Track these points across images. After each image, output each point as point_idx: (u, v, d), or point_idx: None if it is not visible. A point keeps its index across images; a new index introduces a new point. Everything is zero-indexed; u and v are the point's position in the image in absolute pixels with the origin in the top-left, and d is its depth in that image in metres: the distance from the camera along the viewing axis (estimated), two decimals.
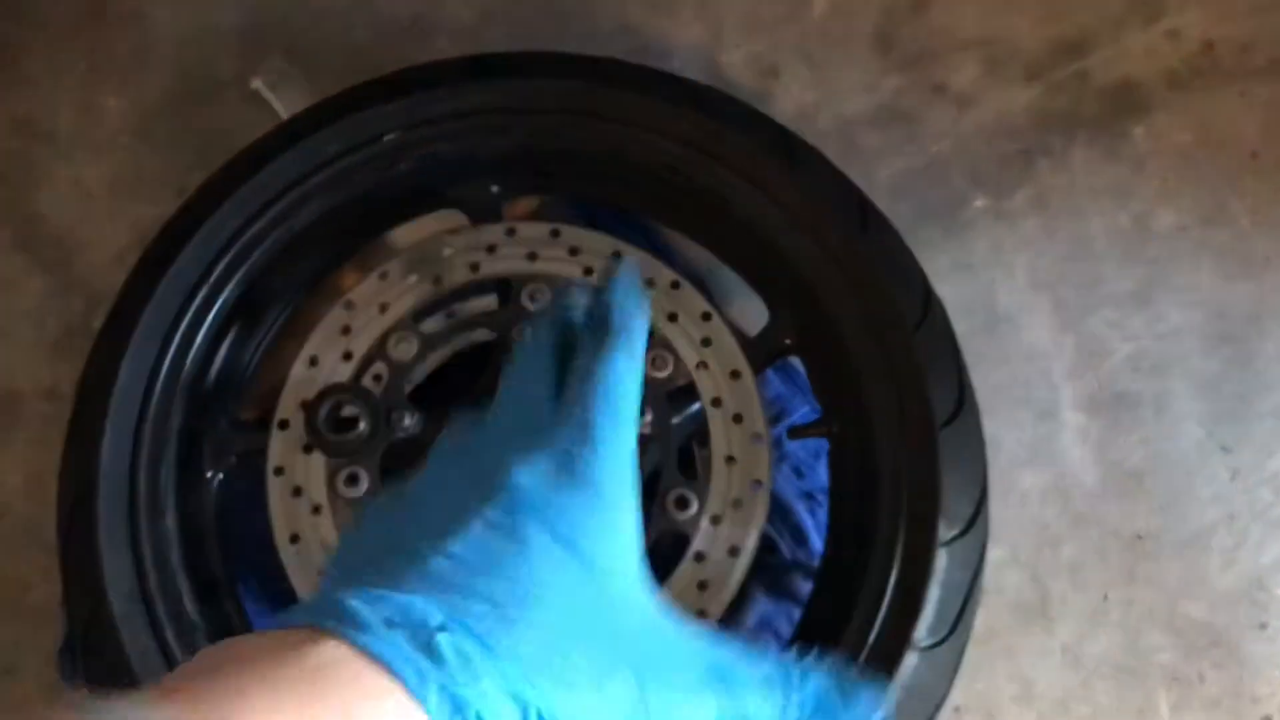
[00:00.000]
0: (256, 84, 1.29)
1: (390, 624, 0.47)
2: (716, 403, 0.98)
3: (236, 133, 1.16)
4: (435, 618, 0.48)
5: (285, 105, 1.27)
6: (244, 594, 1.04)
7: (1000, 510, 1.16)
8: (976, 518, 0.98)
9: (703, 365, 0.99)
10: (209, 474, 1.02)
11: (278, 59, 1.30)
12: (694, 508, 0.95)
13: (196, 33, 1.33)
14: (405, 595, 0.49)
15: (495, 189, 1.09)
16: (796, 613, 1.08)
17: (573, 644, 0.52)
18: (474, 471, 0.58)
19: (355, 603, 0.48)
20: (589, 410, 0.59)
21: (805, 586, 1.10)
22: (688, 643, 0.58)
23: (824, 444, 1.14)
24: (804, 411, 1.17)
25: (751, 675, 0.58)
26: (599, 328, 0.64)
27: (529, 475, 0.56)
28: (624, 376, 0.61)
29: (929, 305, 1.01)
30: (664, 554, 0.99)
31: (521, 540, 0.53)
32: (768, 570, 1.12)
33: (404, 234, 1.13)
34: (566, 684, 0.50)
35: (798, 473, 1.18)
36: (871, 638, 0.93)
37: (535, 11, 1.35)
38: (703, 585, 0.94)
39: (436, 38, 1.34)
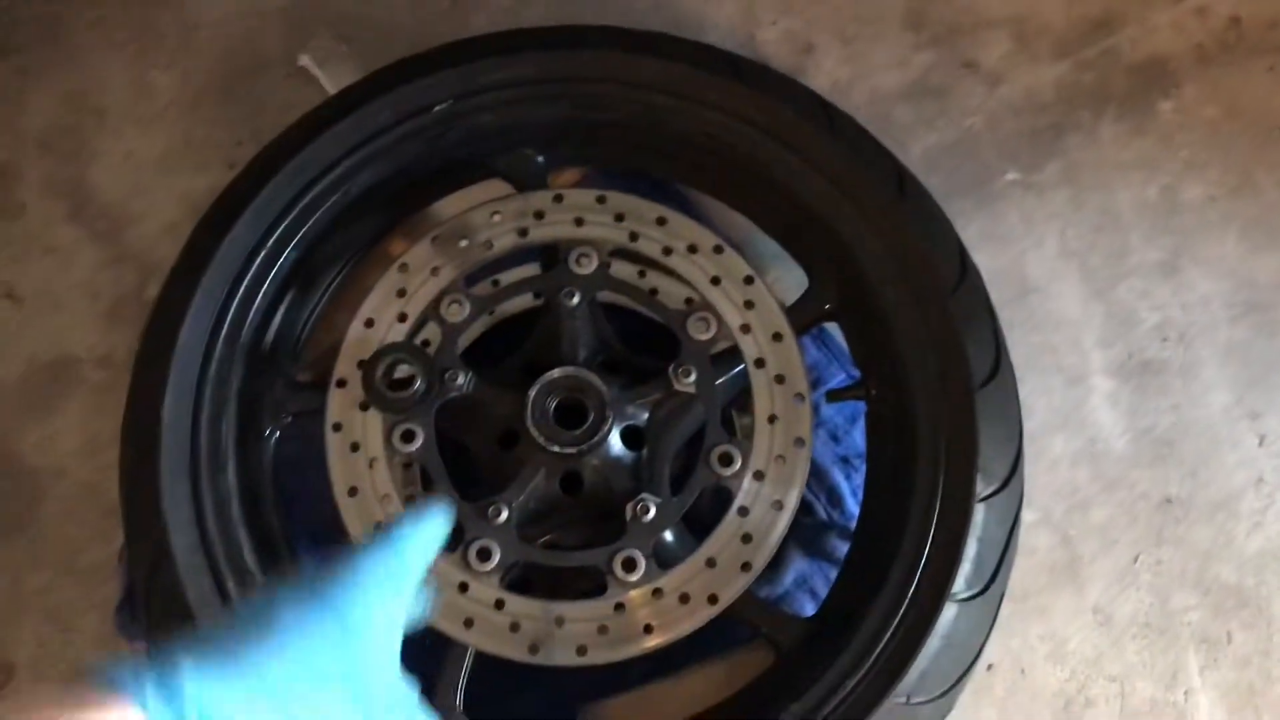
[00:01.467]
0: (304, 60, 1.32)
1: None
2: (760, 363, 1.01)
3: (283, 108, 1.20)
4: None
5: (332, 81, 1.30)
6: (299, 548, 1.08)
7: (1032, 474, 1.18)
8: (1012, 475, 1.00)
9: (745, 328, 1.02)
10: (266, 431, 1.05)
11: (324, 36, 1.33)
12: (738, 463, 0.98)
13: (243, 12, 1.37)
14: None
15: (540, 159, 1.11)
16: (832, 572, 1.11)
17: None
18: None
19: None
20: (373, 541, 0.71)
21: (841, 547, 1.13)
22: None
23: (859, 410, 1.17)
24: (840, 378, 1.20)
25: None
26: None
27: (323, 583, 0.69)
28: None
29: (965, 269, 1.04)
30: (708, 509, 1.02)
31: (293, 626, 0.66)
32: (804, 530, 1.15)
33: (451, 204, 1.16)
34: None
35: (834, 438, 1.20)
36: (911, 589, 0.95)
37: None
38: (746, 538, 0.97)
39: (476, 17, 1.37)
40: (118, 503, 1.03)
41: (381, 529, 0.75)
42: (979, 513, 0.97)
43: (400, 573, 0.70)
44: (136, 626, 1.14)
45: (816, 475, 1.17)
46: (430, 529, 0.73)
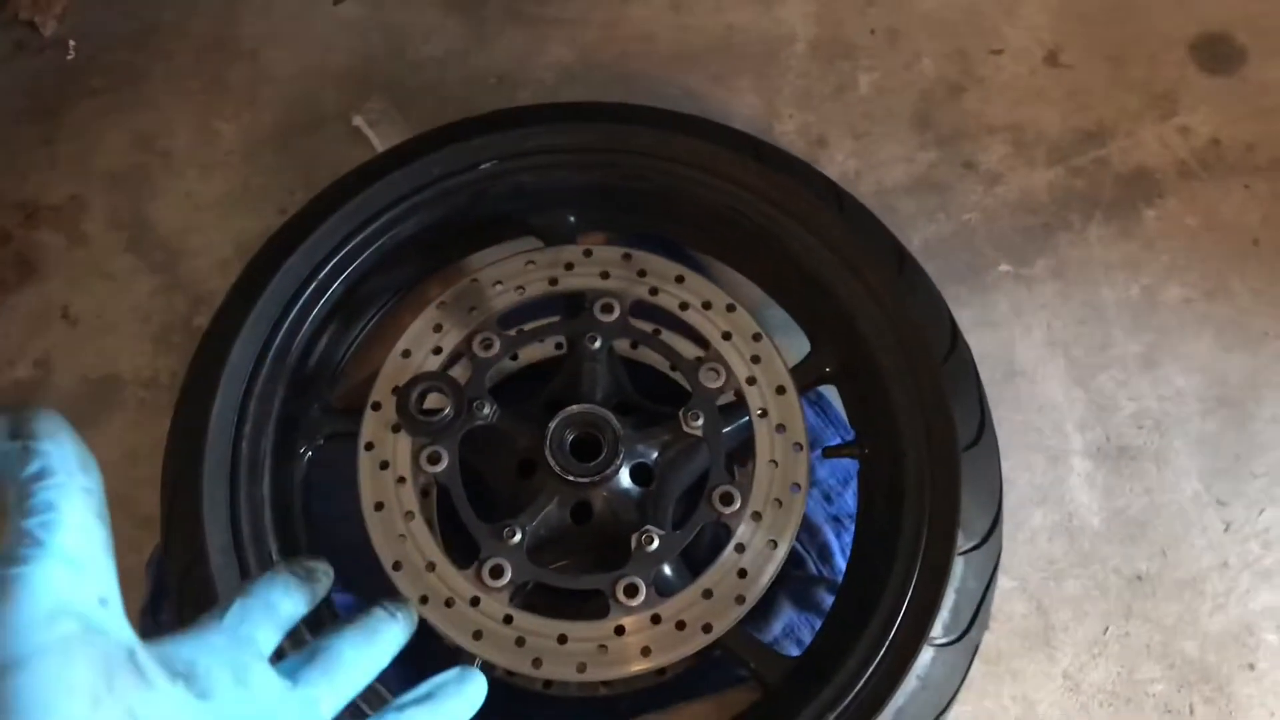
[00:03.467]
0: (358, 121, 1.43)
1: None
2: (763, 413, 1.10)
3: (336, 163, 1.30)
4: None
5: (382, 141, 1.41)
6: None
7: (1011, 544, 1.26)
8: (991, 533, 1.08)
9: (751, 380, 1.11)
10: (301, 449, 1.13)
11: (378, 99, 1.45)
12: (737, 503, 1.06)
13: (305, 72, 1.49)
14: None
15: (572, 219, 1.22)
16: (818, 623, 1.18)
17: None
18: None
19: None
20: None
21: (828, 600, 1.20)
22: None
23: (851, 474, 1.26)
24: (834, 443, 1.28)
25: None
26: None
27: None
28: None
29: (955, 341, 1.13)
30: (705, 550, 1.10)
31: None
32: (795, 583, 1.22)
33: (487, 257, 1.25)
34: None
35: (827, 498, 1.28)
36: (892, 633, 1.02)
37: (609, 77, 1.50)
38: (742, 573, 1.04)
39: (519, 93, 1.49)
40: (150, 514, 1.10)
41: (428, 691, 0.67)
42: (958, 565, 1.05)
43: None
44: (159, 630, 1.20)
45: (809, 531, 1.25)
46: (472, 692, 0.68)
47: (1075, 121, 1.45)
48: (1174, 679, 1.22)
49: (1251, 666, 1.22)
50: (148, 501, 1.12)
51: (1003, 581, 1.25)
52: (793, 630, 1.22)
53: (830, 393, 1.26)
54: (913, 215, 1.41)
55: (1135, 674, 1.22)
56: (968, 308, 1.35)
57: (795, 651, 1.20)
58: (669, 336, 1.18)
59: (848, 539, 1.25)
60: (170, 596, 1.09)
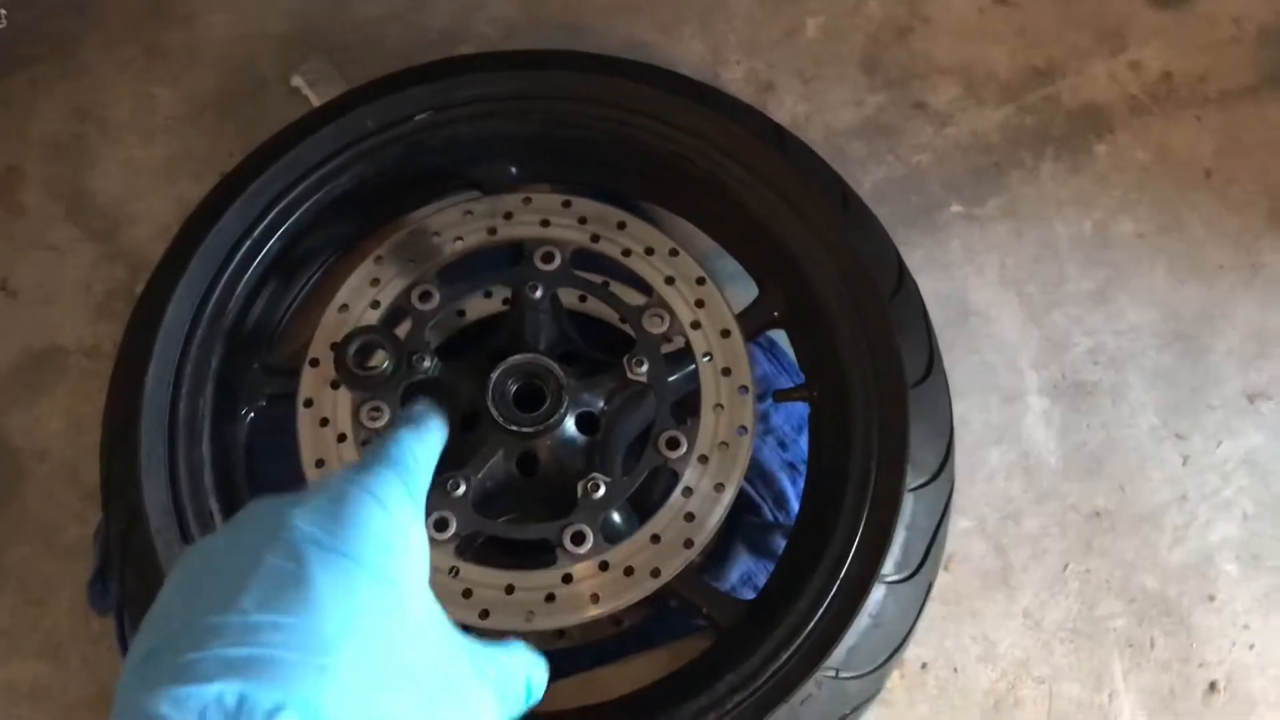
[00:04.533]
0: (297, 81, 1.41)
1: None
2: (708, 357, 1.08)
3: (277, 124, 1.27)
4: (232, 696, 0.48)
5: (321, 101, 1.38)
6: None
7: (968, 485, 1.26)
8: (942, 469, 1.07)
9: (696, 325, 1.10)
10: (242, 410, 1.11)
11: (317, 60, 1.42)
12: (684, 448, 1.05)
13: (243, 34, 1.46)
14: (209, 685, 0.48)
15: (514, 170, 1.20)
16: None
17: (384, 682, 0.52)
18: (262, 527, 0.56)
19: (166, 709, 0.48)
20: (364, 457, 0.64)
21: (784, 545, 1.18)
22: (467, 649, 0.61)
23: (804, 419, 1.24)
24: (790, 388, 1.27)
25: (507, 665, 0.64)
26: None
27: (304, 515, 0.56)
28: (404, 439, 0.66)
29: (902, 278, 1.12)
30: (655, 490, 1.08)
31: (308, 580, 0.52)
32: (751, 530, 1.21)
33: (428, 213, 1.23)
34: None
35: (782, 445, 1.27)
36: (843, 571, 1.01)
37: (553, 28, 1.48)
38: (689, 517, 1.03)
39: (461, 48, 1.46)
40: (97, 486, 1.09)
41: (382, 442, 0.66)
42: (909, 502, 1.04)
43: (417, 494, 0.63)
44: (106, 600, 1.19)
45: (764, 478, 1.24)
46: (431, 438, 0.68)
47: (1025, 59, 1.44)
48: (1134, 614, 1.21)
49: (1211, 598, 1.22)
50: (95, 472, 1.10)
51: (960, 522, 1.25)
52: (750, 577, 1.21)
53: (783, 339, 1.25)
54: (863, 158, 1.39)
55: (1096, 610, 1.22)
56: (920, 249, 1.34)
57: (752, 597, 1.19)
58: (619, 288, 1.17)
59: (803, 483, 1.24)
60: (113, 560, 1.08)
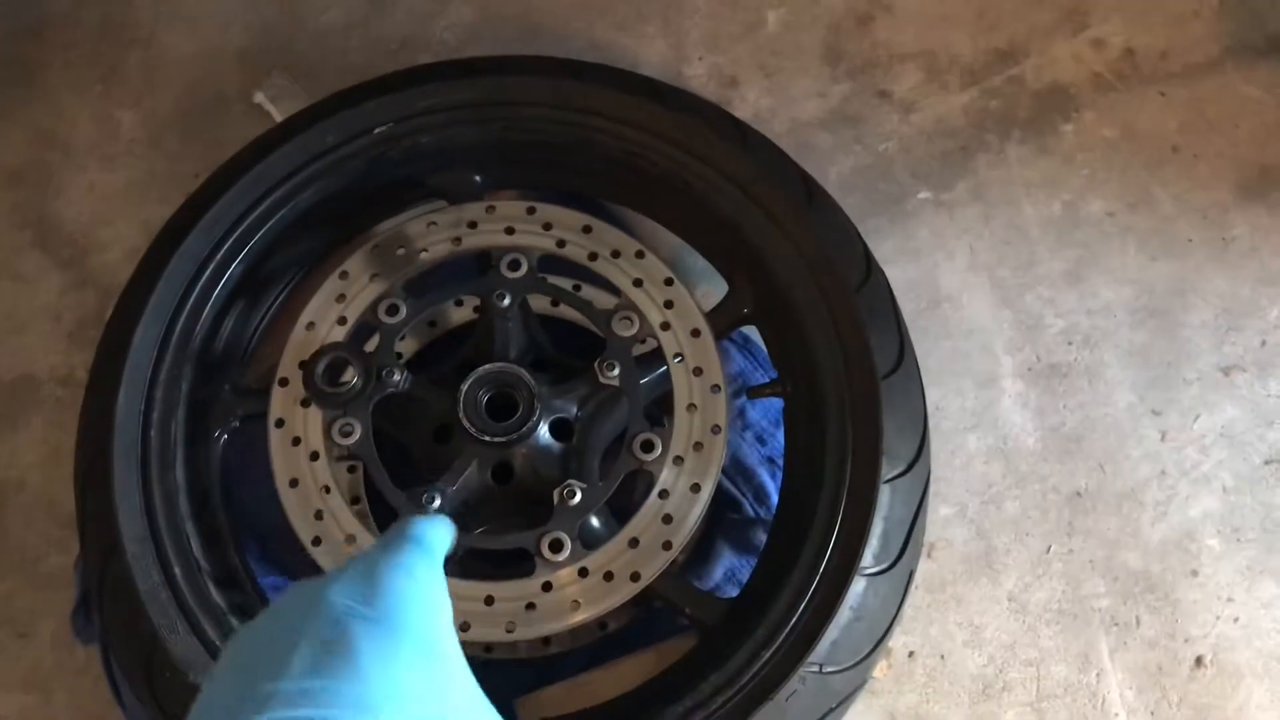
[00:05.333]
0: (259, 97, 1.40)
1: None
2: (679, 357, 1.08)
3: (241, 142, 1.27)
4: None
5: (284, 116, 1.37)
6: (247, 551, 1.13)
7: (947, 471, 1.26)
8: (917, 459, 1.07)
9: (666, 326, 1.09)
10: (215, 433, 1.11)
11: (278, 75, 1.41)
12: (658, 450, 1.04)
13: (204, 52, 1.45)
14: None
15: (478, 179, 1.19)
16: None
17: None
18: (302, 604, 0.61)
19: None
20: (385, 536, 0.68)
21: (765, 540, 1.18)
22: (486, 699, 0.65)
23: (782, 413, 1.24)
24: (763, 384, 1.27)
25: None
26: None
27: (339, 589, 0.61)
28: (419, 522, 0.70)
29: (870, 269, 1.12)
30: (631, 493, 1.08)
31: (350, 646, 0.57)
32: (732, 526, 1.21)
33: (393, 225, 1.23)
34: None
35: (760, 440, 1.27)
36: (823, 565, 1.01)
37: (513, 33, 1.47)
38: (667, 519, 1.03)
39: (422, 56, 1.46)
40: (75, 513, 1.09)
41: (399, 525, 0.70)
42: (885, 492, 1.03)
43: (437, 565, 0.67)
44: (90, 629, 1.19)
45: (744, 474, 1.24)
46: (442, 525, 0.72)
47: (987, 42, 1.44)
48: (1119, 592, 1.22)
49: (1195, 573, 1.22)
50: (73, 501, 1.09)
51: (941, 509, 1.25)
52: (734, 574, 1.21)
53: (756, 335, 1.24)
54: (829, 149, 1.39)
55: (1080, 590, 1.22)
56: (889, 238, 1.34)
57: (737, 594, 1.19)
58: (590, 292, 1.17)
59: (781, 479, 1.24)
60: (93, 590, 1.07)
